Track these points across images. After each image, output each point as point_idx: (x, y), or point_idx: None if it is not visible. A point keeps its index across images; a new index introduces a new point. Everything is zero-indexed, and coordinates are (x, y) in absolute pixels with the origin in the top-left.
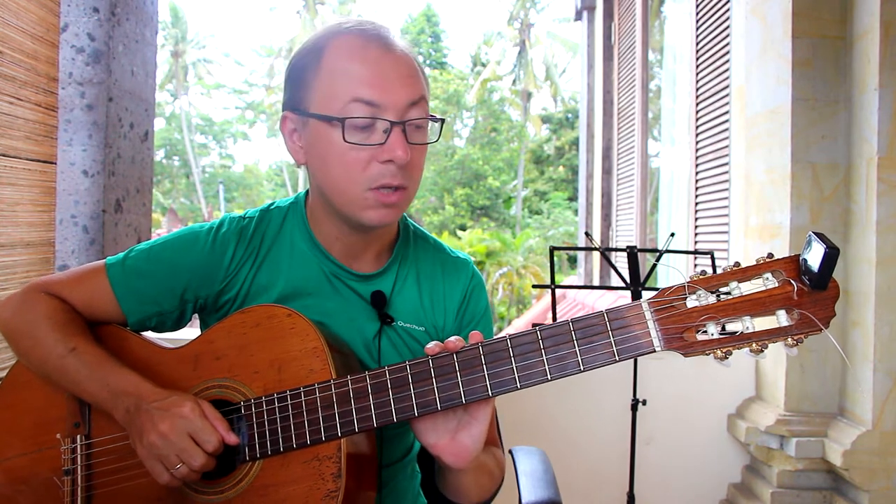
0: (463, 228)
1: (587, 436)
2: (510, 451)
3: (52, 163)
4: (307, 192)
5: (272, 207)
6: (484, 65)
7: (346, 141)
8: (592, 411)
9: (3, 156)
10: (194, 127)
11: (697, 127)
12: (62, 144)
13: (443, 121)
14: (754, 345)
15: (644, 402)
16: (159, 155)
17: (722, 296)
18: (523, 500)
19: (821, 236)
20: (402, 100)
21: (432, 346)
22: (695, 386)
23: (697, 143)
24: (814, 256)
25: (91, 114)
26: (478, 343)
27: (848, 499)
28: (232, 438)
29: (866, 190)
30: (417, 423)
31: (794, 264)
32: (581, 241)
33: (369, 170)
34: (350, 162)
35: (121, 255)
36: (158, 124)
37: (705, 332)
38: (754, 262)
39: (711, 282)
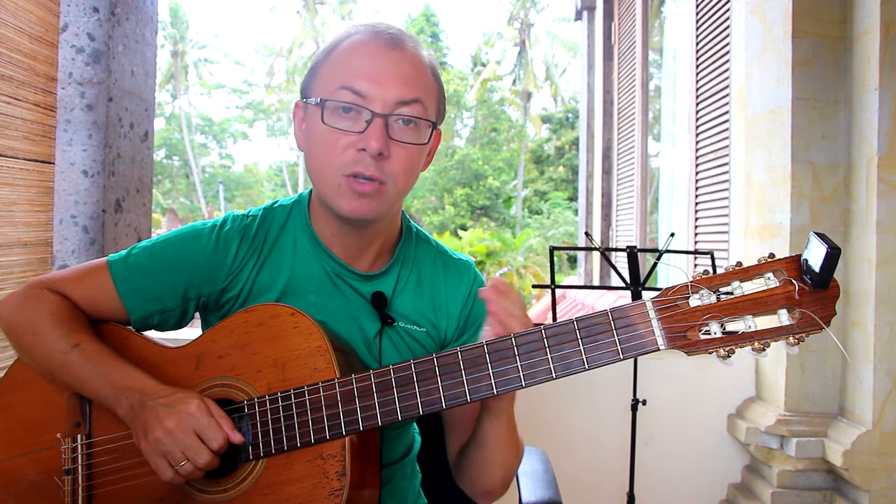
0: (463, 228)
1: (587, 436)
2: None
3: (49, 163)
4: (311, 190)
5: (275, 206)
6: (484, 65)
7: (324, 122)
8: (592, 411)
9: (0, 156)
10: (194, 127)
11: (697, 127)
12: (62, 144)
13: (434, 124)
14: (756, 343)
15: (644, 402)
16: (159, 155)
17: (724, 295)
18: (523, 500)
19: (822, 236)
20: (392, 96)
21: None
22: (695, 386)
23: (697, 142)
24: (815, 256)
25: (91, 114)
26: (510, 336)
27: (848, 499)
28: (237, 437)
29: (866, 190)
30: None
31: (796, 264)
32: (581, 241)
33: (345, 155)
34: (328, 143)
35: (123, 252)
36: (158, 124)
37: (708, 331)
38: (756, 262)
39: (714, 281)
